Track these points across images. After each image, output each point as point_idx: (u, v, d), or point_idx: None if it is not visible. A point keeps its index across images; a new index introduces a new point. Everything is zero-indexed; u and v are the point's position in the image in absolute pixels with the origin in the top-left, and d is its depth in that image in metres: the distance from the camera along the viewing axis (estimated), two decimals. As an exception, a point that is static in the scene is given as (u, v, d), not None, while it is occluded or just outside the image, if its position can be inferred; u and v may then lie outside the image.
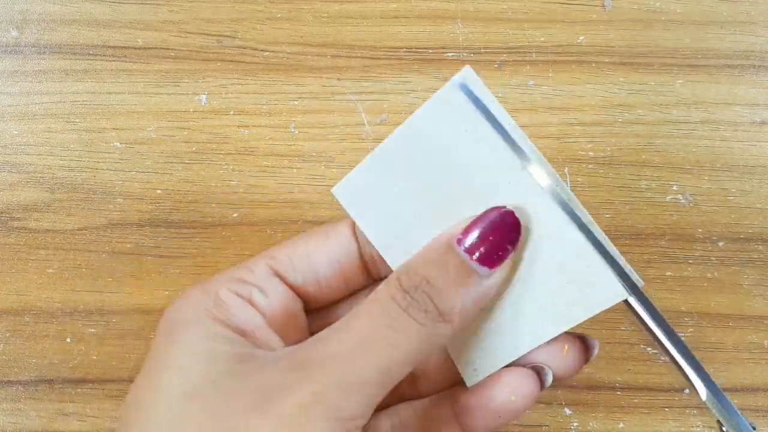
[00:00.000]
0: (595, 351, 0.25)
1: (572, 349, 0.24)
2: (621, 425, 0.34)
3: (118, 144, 0.36)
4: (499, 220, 0.23)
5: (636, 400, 0.34)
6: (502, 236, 0.23)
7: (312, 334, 0.25)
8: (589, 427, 0.34)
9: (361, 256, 0.26)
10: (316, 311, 0.27)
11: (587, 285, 0.23)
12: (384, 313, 0.21)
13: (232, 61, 0.36)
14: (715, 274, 0.35)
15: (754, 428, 0.22)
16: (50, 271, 0.35)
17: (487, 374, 0.24)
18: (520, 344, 0.24)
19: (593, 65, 0.36)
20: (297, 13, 0.37)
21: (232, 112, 0.36)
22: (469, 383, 0.25)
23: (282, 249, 0.25)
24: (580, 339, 0.25)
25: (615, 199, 0.35)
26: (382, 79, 0.36)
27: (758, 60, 0.36)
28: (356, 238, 0.26)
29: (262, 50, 0.36)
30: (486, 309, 0.24)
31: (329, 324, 0.23)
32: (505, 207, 0.23)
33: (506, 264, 0.23)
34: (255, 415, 0.20)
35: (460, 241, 0.22)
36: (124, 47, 0.36)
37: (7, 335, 0.35)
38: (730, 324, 0.34)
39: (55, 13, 0.37)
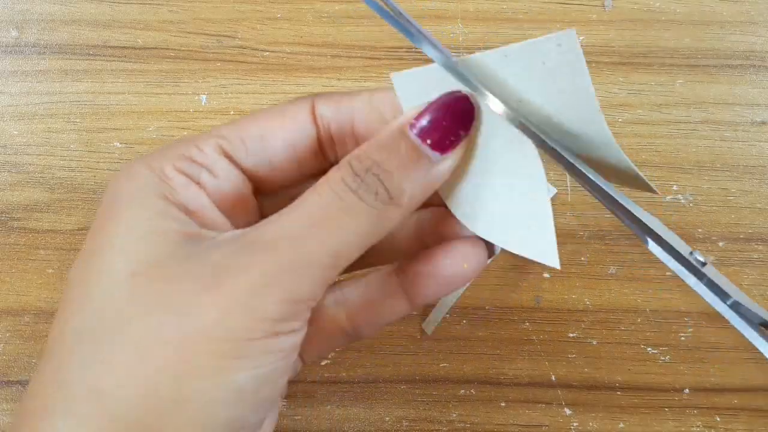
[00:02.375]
0: (496, 253, 0.26)
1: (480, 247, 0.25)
2: (621, 425, 0.34)
3: (118, 144, 0.36)
4: (452, 104, 0.22)
5: (636, 400, 0.34)
6: (454, 121, 0.22)
7: (264, 218, 0.25)
8: (589, 427, 0.34)
9: (319, 139, 0.25)
10: (268, 194, 0.26)
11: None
12: (334, 195, 0.21)
13: (232, 61, 0.36)
14: (715, 274, 0.35)
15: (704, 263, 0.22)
16: (50, 271, 0.35)
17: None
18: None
19: (593, 65, 0.36)
20: (297, 13, 0.37)
21: (232, 112, 0.36)
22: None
23: (233, 128, 0.24)
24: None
25: (615, 199, 0.35)
26: (382, 79, 0.36)
27: (758, 60, 0.36)
28: (315, 121, 0.25)
29: (261, 50, 0.36)
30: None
31: (281, 208, 0.22)
32: (459, 91, 0.22)
33: (458, 150, 0.23)
34: (206, 295, 0.20)
35: (412, 126, 0.22)
36: (124, 47, 0.36)
37: (7, 335, 0.35)
38: (730, 324, 0.34)
39: (55, 13, 0.37)
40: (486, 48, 0.36)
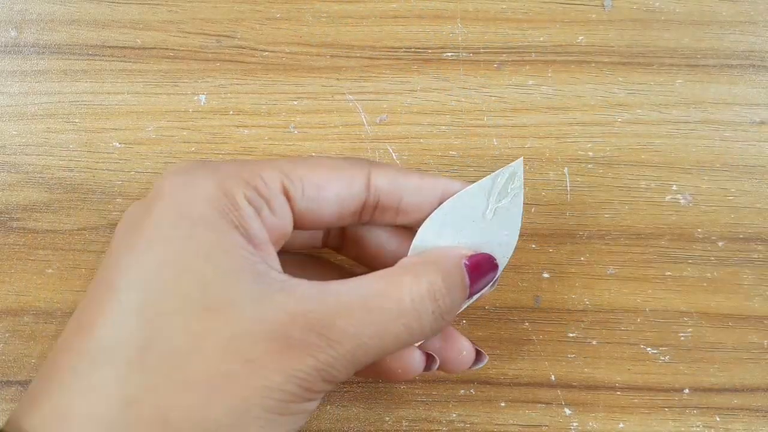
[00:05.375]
0: (481, 364, 0.29)
1: (468, 355, 0.28)
2: (621, 425, 0.34)
3: (118, 144, 0.36)
4: (494, 268, 0.27)
5: (636, 400, 0.34)
6: (487, 278, 0.27)
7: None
8: (589, 427, 0.34)
9: (364, 203, 0.26)
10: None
11: None
12: (412, 311, 0.24)
13: (231, 61, 0.36)
14: (715, 274, 0.35)
15: None
16: (50, 271, 0.35)
17: None
18: None
19: (593, 65, 0.36)
20: (296, 13, 0.37)
21: (231, 112, 0.36)
22: None
23: (296, 168, 0.25)
24: (477, 351, 0.29)
25: (614, 199, 0.35)
26: (381, 79, 0.36)
27: (758, 60, 0.36)
28: (368, 188, 0.26)
29: (261, 50, 0.36)
30: None
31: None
32: (498, 267, 0.28)
33: (479, 294, 0.27)
34: (271, 360, 0.22)
35: (466, 266, 0.26)
36: (124, 47, 0.36)
37: (7, 335, 0.35)
38: (730, 324, 0.34)
39: (54, 13, 0.37)
40: (485, 48, 0.36)
